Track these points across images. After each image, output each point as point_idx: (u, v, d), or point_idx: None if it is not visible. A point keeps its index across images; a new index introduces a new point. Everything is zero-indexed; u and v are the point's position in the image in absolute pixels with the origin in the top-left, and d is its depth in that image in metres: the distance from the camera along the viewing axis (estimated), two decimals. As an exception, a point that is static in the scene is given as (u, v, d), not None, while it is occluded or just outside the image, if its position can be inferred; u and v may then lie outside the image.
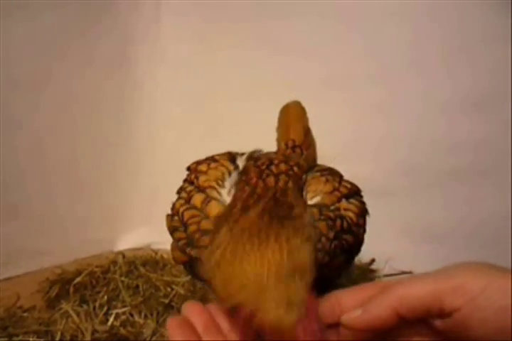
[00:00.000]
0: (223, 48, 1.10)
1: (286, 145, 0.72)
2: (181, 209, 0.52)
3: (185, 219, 0.51)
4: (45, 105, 0.96)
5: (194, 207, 0.51)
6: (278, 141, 0.79)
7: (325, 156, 0.82)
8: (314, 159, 0.78)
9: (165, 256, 0.95)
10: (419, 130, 0.99)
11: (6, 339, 0.61)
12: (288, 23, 1.03)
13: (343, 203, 0.53)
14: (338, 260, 0.51)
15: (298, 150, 0.71)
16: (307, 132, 0.79)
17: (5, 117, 0.89)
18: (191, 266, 0.52)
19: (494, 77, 0.93)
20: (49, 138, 0.99)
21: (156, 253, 0.97)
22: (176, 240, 0.53)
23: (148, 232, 1.08)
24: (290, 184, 0.52)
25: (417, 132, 0.99)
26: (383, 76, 1.00)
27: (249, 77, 1.08)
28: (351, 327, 0.38)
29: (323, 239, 0.48)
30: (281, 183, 0.52)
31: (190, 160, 0.61)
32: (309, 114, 0.82)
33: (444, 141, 0.97)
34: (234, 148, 0.64)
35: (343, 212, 0.52)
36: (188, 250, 0.50)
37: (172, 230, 0.54)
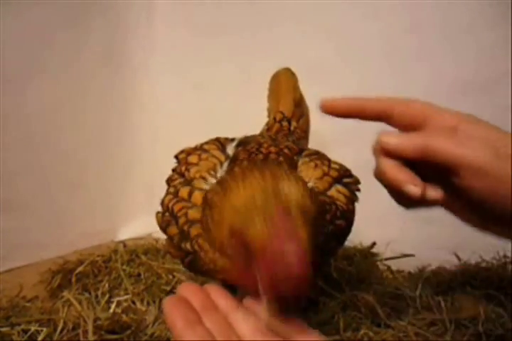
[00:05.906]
0: (216, 35, 1.09)
1: (275, 118, 0.72)
2: (170, 204, 0.52)
3: (175, 212, 0.51)
4: (35, 98, 0.95)
5: (182, 200, 0.52)
6: (268, 111, 0.78)
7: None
8: (306, 129, 0.77)
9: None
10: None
11: (9, 328, 0.61)
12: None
13: (333, 192, 0.53)
14: (331, 244, 0.51)
15: (285, 123, 0.71)
16: (299, 101, 0.78)
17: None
18: (190, 260, 0.52)
19: (496, 61, 0.92)
20: (48, 131, 0.98)
21: (157, 241, 0.97)
22: (170, 237, 0.53)
23: (148, 221, 1.05)
24: (281, 159, 0.52)
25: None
26: (386, 59, 1.00)
27: (245, 65, 1.08)
28: (384, 144, 0.43)
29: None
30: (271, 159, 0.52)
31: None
32: (310, 97, 0.80)
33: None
34: (231, 135, 0.64)
35: (334, 199, 0.52)
36: (183, 245, 0.50)
37: (165, 226, 0.53)
